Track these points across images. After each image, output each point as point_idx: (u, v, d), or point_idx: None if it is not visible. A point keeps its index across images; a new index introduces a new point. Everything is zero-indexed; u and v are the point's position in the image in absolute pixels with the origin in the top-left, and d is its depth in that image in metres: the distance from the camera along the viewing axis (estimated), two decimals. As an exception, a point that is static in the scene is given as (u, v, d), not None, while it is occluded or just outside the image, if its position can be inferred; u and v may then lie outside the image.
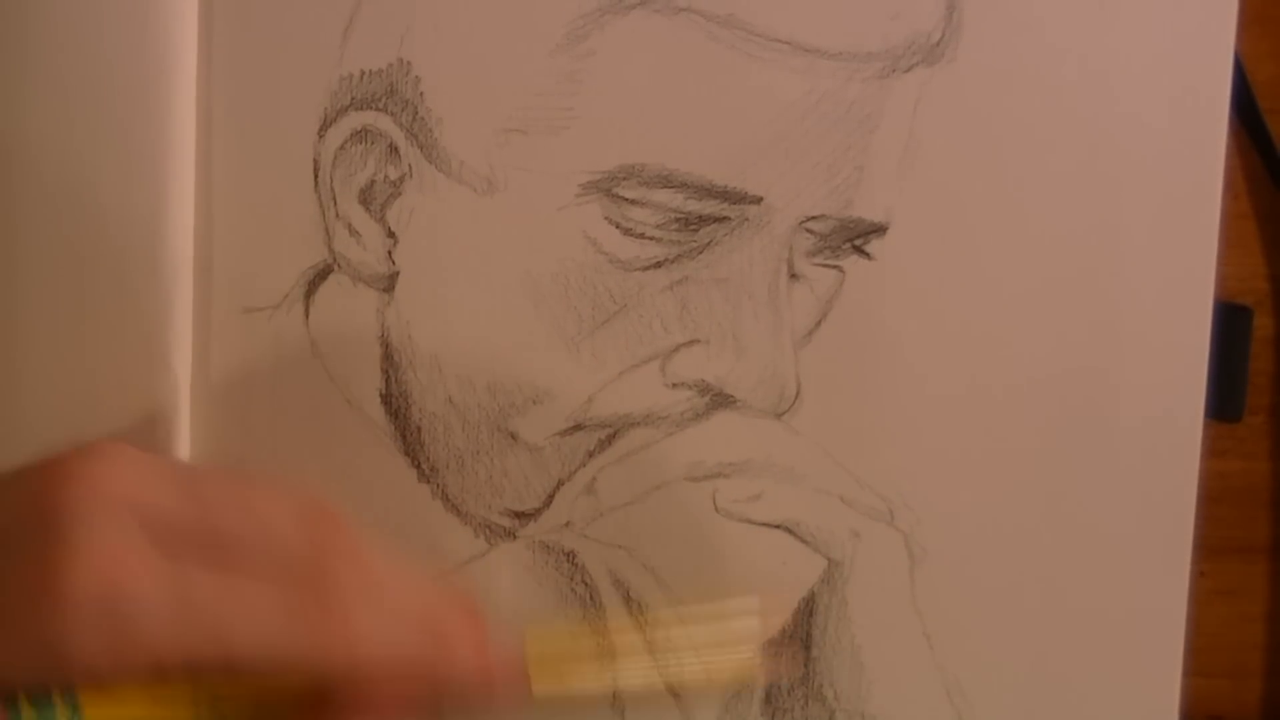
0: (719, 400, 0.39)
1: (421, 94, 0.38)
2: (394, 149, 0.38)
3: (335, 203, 0.38)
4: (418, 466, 0.39)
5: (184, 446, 0.37)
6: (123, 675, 0.30)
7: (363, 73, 0.37)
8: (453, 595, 0.34)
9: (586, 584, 0.39)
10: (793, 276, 0.39)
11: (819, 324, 0.39)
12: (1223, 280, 0.39)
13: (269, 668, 0.30)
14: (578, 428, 0.39)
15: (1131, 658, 0.40)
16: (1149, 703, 0.40)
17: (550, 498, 0.39)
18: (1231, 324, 0.41)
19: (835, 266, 0.39)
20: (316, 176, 0.38)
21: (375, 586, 0.32)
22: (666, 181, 0.38)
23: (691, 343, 0.39)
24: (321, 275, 0.38)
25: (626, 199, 0.38)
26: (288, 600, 0.31)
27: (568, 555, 0.39)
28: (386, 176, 0.38)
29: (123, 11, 0.36)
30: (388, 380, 0.38)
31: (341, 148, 0.38)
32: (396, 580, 0.33)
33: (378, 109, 0.38)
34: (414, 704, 0.32)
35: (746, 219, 0.38)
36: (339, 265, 0.38)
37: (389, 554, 0.33)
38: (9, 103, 0.36)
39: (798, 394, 0.39)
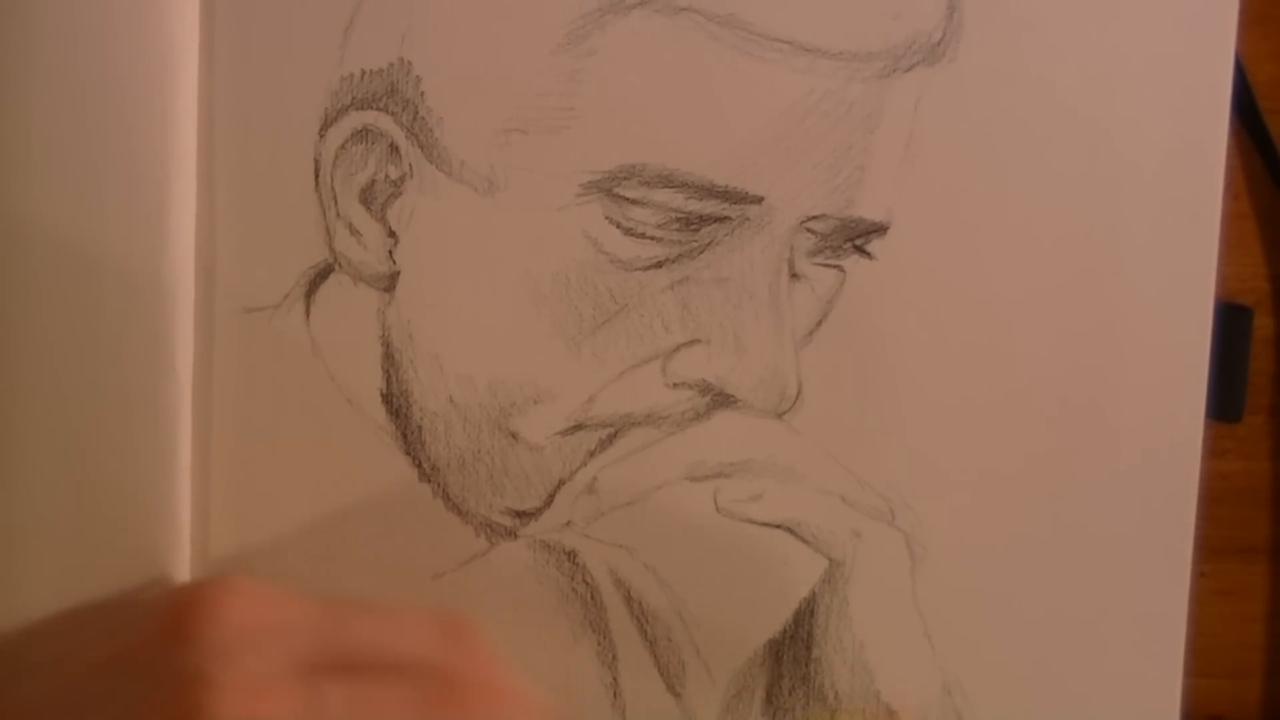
0: (720, 400, 0.39)
1: (422, 93, 0.37)
2: (395, 149, 0.38)
3: (336, 202, 0.38)
4: (418, 466, 0.38)
5: (185, 446, 0.37)
6: None
7: (363, 72, 0.37)
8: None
9: (587, 583, 0.39)
10: (794, 276, 0.39)
11: (820, 324, 0.39)
12: (1223, 280, 0.39)
13: None
14: (578, 427, 0.38)
15: (1132, 658, 0.40)
16: (1150, 703, 0.40)
17: (551, 497, 0.39)
18: (1231, 324, 0.41)
19: (836, 266, 0.39)
20: (317, 176, 0.38)
21: (507, 694, 0.33)
22: (667, 181, 0.38)
23: (692, 342, 0.39)
24: (322, 275, 0.38)
25: (627, 199, 0.38)
26: (429, 714, 0.31)
27: (568, 555, 0.39)
28: (387, 176, 0.38)
29: (124, 11, 0.36)
30: (388, 379, 0.38)
31: (342, 147, 0.38)
32: (521, 685, 0.33)
33: (378, 109, 0.38)
34: None
35: (747, 219, 0.38)
36: (340, 265, 0.38)
37: (512, 670, 0.34)
38: (8, 103, 0.36)
39: (799, 394, 0.39)
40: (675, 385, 0.39)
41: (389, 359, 0.38)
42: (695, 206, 0.38)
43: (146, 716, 0.30)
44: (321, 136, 0.38)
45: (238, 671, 0.31)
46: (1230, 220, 0.40)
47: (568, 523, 0.39)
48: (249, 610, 0.32)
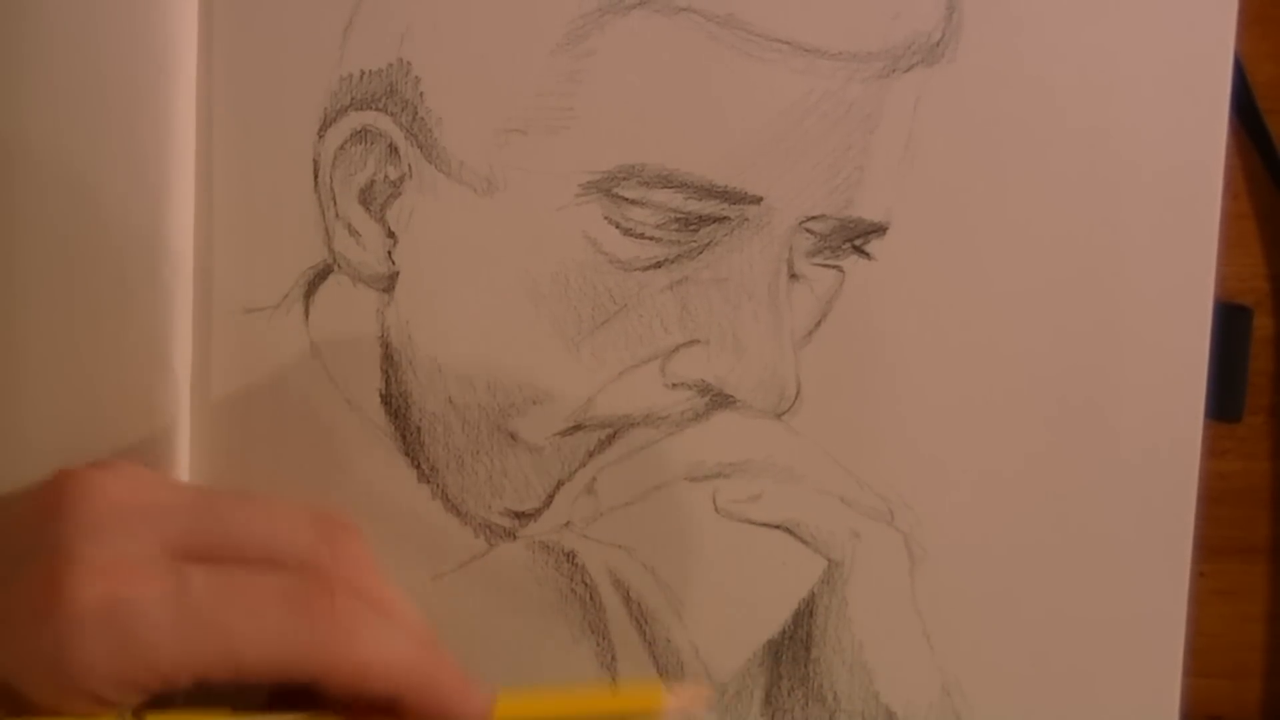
0: (719, 400, 0.39)
1: (421, 94, 0.38)
2: (394, 149, 0.38)
3: (335, 203, 0.38)
4: (417, 466, 0.39)
5: (184, 446, 0.38)
6: (129, 686, 0.30)
7: (362, 73, 0.37)
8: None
9: (586, 584, 0.39)
10: (793, 276, 0.39)
11: (819, 324, 0.39)
12: (1223, 280, 0.39)
13: (274, 671, 0.31)
14: (577, 428, 0.39)
15: (1132, 658, 0.40)
16: (1149, 703, 0.40)
17: (550, 498, 0.39)
18: (1231, 324, 0.41)
19: (835, 266, 0.39)
20: (316, 176, 0.38)
21: (380, 598, 0.33)
22: (666, 181, 0.38)
23: (691, 343, 0.39)
24: (321, 275, 0.38)
25: (626, 199, 0.38)
26: (295, 602, 0.31)
27: (568, 555, 0.39)
28: (386, 176, 0.38)
29: (122, 11, 0.36)
30: (387, 380, 0.38)
31: (341, 148, 0.38)
32: (398, 595, 0.33)
33: (377, 109, 0.38)
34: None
35: (746, 219, 0.38)
36: (339, 265, 0.38)
37: (388, 579, 0.33)
38: (7, 103, 0.36)
39: (798, 394, 0.39)
40: (674, 386, 0.39)
41: (388, 360, 0.38)
42: (694, 207, 0.38)
43: (9, 589, 0.30)
44: (320, 137, 0.38)
45: (105, 550, 0.30)
46: (1230, 220, 0.40)
47: (567, 523, 0.39)
48: (124, 491, 0.32)
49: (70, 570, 0.30)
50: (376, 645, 0.31)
